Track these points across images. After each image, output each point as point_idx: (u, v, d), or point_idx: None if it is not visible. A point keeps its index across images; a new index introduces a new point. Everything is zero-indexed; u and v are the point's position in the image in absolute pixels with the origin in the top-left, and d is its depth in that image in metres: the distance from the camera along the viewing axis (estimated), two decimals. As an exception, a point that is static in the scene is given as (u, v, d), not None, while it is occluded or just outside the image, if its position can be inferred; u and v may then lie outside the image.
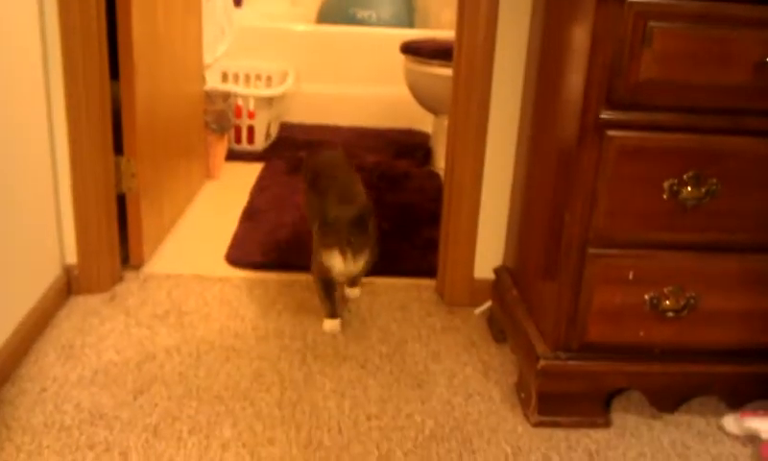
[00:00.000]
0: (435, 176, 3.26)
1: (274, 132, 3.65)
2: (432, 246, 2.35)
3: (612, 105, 1.54)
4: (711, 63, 1.51)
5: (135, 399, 1.77)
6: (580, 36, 1.58)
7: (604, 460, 1.66)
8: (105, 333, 2.02)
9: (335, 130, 3.88)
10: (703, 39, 1.50)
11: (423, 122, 3.76)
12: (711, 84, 1.53)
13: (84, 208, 2.14)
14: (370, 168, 3.34)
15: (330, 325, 2.11)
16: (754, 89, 1.54)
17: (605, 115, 1.55)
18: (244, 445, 1.64)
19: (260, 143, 3.48)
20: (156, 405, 1.75)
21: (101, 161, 2.12)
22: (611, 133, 1.56)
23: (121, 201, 2.27)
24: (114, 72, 2.17)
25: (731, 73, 1.52)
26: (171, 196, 2.63)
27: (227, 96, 3.18)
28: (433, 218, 2.33)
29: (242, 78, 3.76)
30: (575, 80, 1.60)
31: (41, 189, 2.04)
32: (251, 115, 3.41)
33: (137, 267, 2.35)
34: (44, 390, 1.78)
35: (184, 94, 2.76)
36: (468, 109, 2.11)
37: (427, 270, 2.40)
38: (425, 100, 3.29)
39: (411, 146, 3.67)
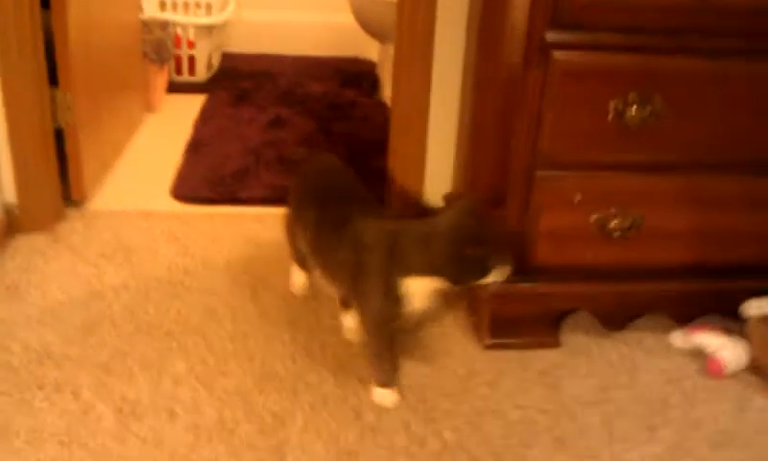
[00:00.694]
0: (382, 105, 3.23)
1: (216, 62, 3.56)
2: (380, 176, 2.33)
3: (557, 26, 1.54)
4: (655, -19, 1.51)
5: (84, 337, 1.74)
6: (524, -43, 1.56)
7: (554, 379, 1.70)
8: (50, 272, 1.97)
9: (279, 59, 3.80)
10: (646, -42, 1.50)
11: (370, 50, 3.70)
12: (654, 3, 1.53)
13: (21, 144, 2.07)
14: (316, 97, 3.29)
15: (385, 396, 1.61)
16: (695, 8, 1.54)
17: (550, 36, 1.54)
18: (197, 378, 1.63)
19: (202, 74, 3.39)
20: (105, 343, 1.72)
21: (36, 94, 2.04)
22: (556, 54, 1.55)
23: (59, 136, 2.19)
24: (45, 0, 2.07)
25: (673, -9, 1.52)
26: (111, 130, 2.55)
27: (165, 25, 3.08)
28: (381, 148, 2.30)
29: (181, 6, 3.64)
30: (520, 1, 1.58)
31: (-26, 126, 1.96)
32: (190, 45, 3.31)
33: (80, 204, 2.29)
34: (-11, 332, 1.74)
35: (120, 23, 2.66)
36: (412, 35, 2.07)
37: (376, 199, 2.38)
38: (371, 27, 3.23)
39: (357, 75, 3.62)
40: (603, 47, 1.57)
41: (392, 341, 1.64)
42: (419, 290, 1.51)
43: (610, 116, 1.60)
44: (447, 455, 1.48)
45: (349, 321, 1.77)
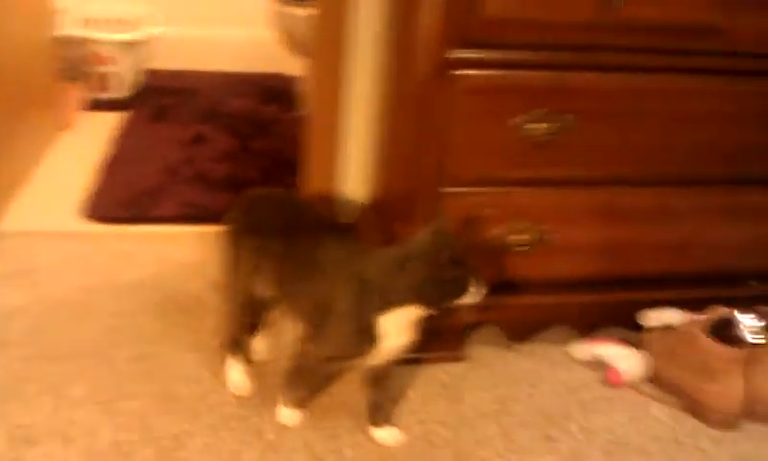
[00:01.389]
0: (302, 120, 3.22)
1: (138, 79, 3.52)
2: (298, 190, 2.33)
3: (460, 44, 1.55)
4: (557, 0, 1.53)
5: (-19, 362, 1.70)
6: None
7: (457, 392, 1.71)
8: (-52, 296, 1.92)
9: (202, 75, 3.77)
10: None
11: (291, 65, 3.70)
12: (559, 20, 1.56)
13: None
14: (237, 114, 3.28)
15: (291, 416, 1.60)
16: (600, 25, 1.57)
17: (452, 55, 1.55)
18: (96, 402, 1.61)
19: (122, 91, 3.34)
20: (2, 368, 1.68)
21: (-67, 115, 1.99)
22: (459, 72, 1.57)
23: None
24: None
25: (577, 9, 1.55)
26: (19, 149, 2.50)
27: (82, 42, 3.03)
28: (298, 165, 2.31)
29: (102, 22, 3.58)
30: (425, 18, 1.57)
31: None
32: (111, 62, 3.26)
33: (-15, 225, 2.24)
34: None
35: (29, 40, 2.61)
36: (326, 49, 2.07)
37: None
38: (291, 42, 3.23)
39: (278, 90, 3.61)
40: (509, 64, 1.59)
41: (328, 379, 1.63)
42: (396, 325, 1.43)
43: (518, 132, 1.62)
44: (346, 473, 1.48)
45: (259, 343, 1.76)
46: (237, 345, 1.68)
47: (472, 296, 1.42)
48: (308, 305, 1.53)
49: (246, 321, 1.67)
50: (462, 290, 1.41)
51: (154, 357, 1.75)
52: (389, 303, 1.41)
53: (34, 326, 1.83)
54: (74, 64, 2.93)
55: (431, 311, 1.43)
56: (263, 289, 1.58)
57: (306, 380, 1.60)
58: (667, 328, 1.80)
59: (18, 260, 2.09)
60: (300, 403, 1.60)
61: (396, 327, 1.43)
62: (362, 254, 1.50)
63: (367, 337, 1.42)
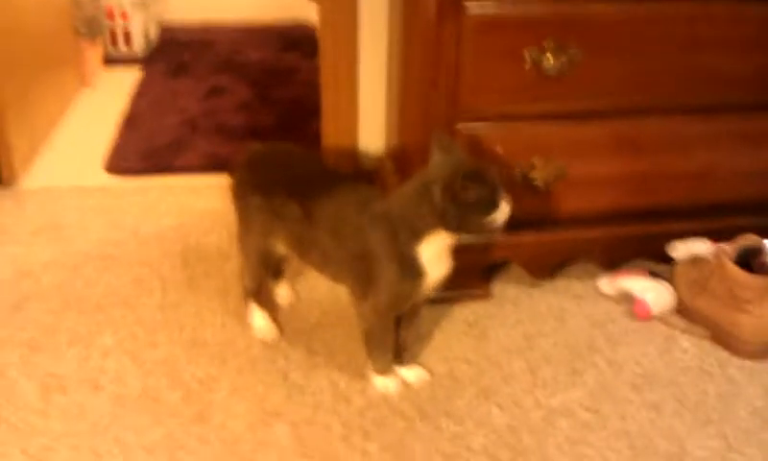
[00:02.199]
0: (322, 68, 3.20)
1: (153, 34, 3.51)
2: (320, 139, 2.32)
3: (469, -23, 1.52)
4: (561, -73, 1.50)
5: (12, 315, 1.72)
6: None
7: (482, 329, 1.71)
8: (-23, 253, 1.95)
9: (218, 27, 3.75)
10: None
11: (311, 13, 3.66)
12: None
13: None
14: (255, 64, 3.26)
15: (388, 384, 1.55)
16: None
17: (461, -13, 1.53)
18: (125, 351, 1.62)
19: (139, 46, 3.33)
20: (33, 320, 1.71)
21: (-46, 74, 2.00)
22: (468, 5, 1.54)
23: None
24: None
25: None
26: (42, 107, 2.51)
27: (97, -1, 3.03)
28: (320, 111, 2.29)
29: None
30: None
31: None
32: (125, 17, 3.25)
33: (10, 183, 2.26)
34: None
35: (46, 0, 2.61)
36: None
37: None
38: (307, -11, 3.20)
39: (298, 39, 3.58)
40: (516, -4, 1.57)
41: (394, 326, 1.54)
42: (434, 253, 1.41)
43: (527, 66, 1.60)
44: (372, 411, 1.49)
45: (283, 288, 1.76)
46: (258, 292, 1.69)
47: (501, 213, 1.38)
48: (340, 265, 1.50)
49: (263, 273, 1.67)
50: (488, 210, 1.37)
51: (179, 306, 1.76)
52: (420, 232, 1.38)
53: (62, 279, 1.85)
54: (91, 21, 2.92)
55: (463, 235, 1.39)
56: (279, 248, 1.58)
57: (382, 339, 1.52)
58: (695, 259, 1.78)
59: (45, 216, 2.11)
60: (390, 366, 1.55)
61: (436, 256, 1.41)
62: (379, 197, 1.48)
63: (413, 271, 1.41)
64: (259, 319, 1.68)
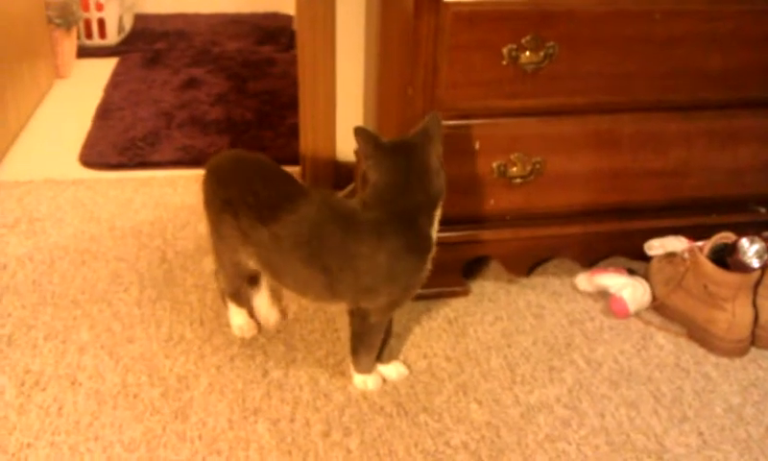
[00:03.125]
0: (299, 60, 3.19)
1: (128, 24, 3.47)
2: (296, 132, 2.31)
3: (447, -29, 1.52)
4: (539, -77, 1.51)
5: (-14, 311, 1.70)
6: None
7: (462, 326, 1.72)
8: (-50, 247, 1.92)
9: (194, 18, 3.72)
10: None
11: (287, 4, 3.65)
12: (542, -55, 1.53)
13: None
14: (231, 56, 3.24)
15: (369, 381, 1.54)
16: (583, -51, 1.54)
17: (439, -18, 1.53)
18: (102, 346, 1.61)
19: (113, 37, 3.30)
20: (8, 315, 1.69)
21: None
22: (446, 0, 1.54)
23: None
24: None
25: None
26: (15, 99, 2.47)
27: (70, -12, 2.98)
28: (297, 104, 2.28)
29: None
30: (411, -52, 1.57)
31: None
32: (99, 7, 3.21)
33: (-17, 176, 2.23)
34: None
35: (19, -12, 2.58)
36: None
37: (293, 156, 2.36)
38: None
39: (274, 30, 3.57)
40: (494, -9, 1.57)
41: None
42: (435, 225, 1.44)
43: (504, 61, 1.60)
44: (352, 407, 1.49)
45: (263, 300, 1.70)
46: (237, 294, 1.66)
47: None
48: (323, 285, 1.45)
49: (238, 281, 1.63)
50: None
51: (156, 301, 1.75)
52: (433, 211, 1.42)
53: (38, 273, 1.83)
54: (65, 11, 2.88)
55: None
56: (252, 265, 1.55)
57: (373, 341, 1.51)
58: (671, 256, 1.80)
59: (19, 209, 2.09)
60: (374, 366, 1.54)
61: (435, 229, 1.44)
62: (353, 205, 1.44)
63: (428, 252, 1.43)
64: (238, 317, 1.67)
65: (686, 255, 1.74)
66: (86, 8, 3.18)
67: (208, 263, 1.85)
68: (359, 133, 1.40)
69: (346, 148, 2.21)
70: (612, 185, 1.79)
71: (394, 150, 1.40)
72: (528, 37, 1.58)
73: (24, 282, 1.80)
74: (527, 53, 1.59)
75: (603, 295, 1.82)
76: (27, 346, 1.61)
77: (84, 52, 3.17)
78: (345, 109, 2.18)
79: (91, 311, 1.71)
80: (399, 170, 1.39)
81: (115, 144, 2.45)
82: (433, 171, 1.39)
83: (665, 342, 1.71)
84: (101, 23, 3.24)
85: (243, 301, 1.67)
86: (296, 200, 1.45)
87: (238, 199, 1.48)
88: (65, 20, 2.88)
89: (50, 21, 2.83)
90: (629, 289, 1.77)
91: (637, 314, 1.77)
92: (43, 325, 1.67)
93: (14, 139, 2.45)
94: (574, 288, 1.86)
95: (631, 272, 1.84)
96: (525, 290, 1.85)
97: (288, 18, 3.70)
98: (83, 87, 2.88)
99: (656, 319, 1.77)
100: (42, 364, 1.56)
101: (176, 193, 2.19)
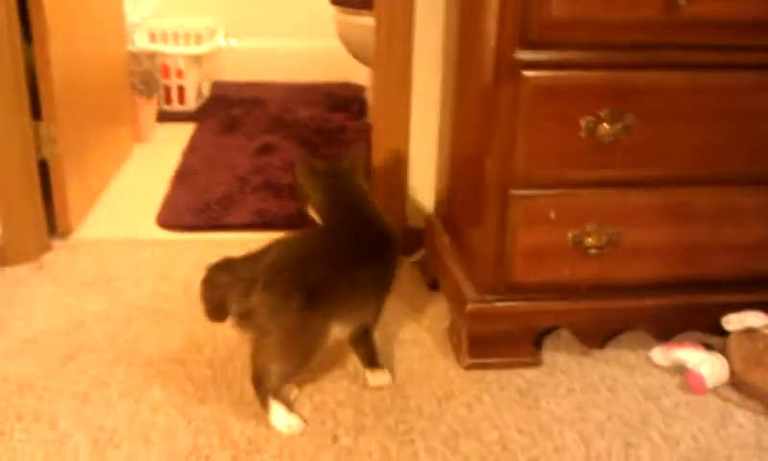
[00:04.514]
0: (370, 128, 3.24)
1: (206, 91, 3.59)
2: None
3: (527, 44, 1.54)
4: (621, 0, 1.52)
5: (64, 366, 1.74)
6: (492, -23, 1.57)
7: (534, 398, 1.69)
8: (33, 303, 1.98)
9: (269, 86, 3.83)
10: (612, -25, 1.50)
11: (358, 74, 3.73)
12: (622, 20, 1.54)
13: (5, 177, 2.08)
14: (305, 123, 3.31)
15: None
16: (664, 24, 1.54)
17: (519, 55, 1.54)
18: (175, 406, 1.63)
19: (192, 103, 3.41)
20: (84, 372, 1.73)
21: (17, 127, 2.06)
22: (526, 73, 1.55)
23: (45, 168, 2.21)
24: (29, 36, 2.10)
25: (641, 8, 1.53)
26: (98, 160, 2.57)
27: (152, 56, 3.11)
28: (368, 170, 2.31)
29: (171, 37, 3.68)
30: (490, 20, 1.60)
31: (-44, 160, 1.98)
32: (179, 74, 3.34)
33: (65, 235, 2.31)
34: (-31, 364, 1.75)
35: (106, 55, 2.69)
36: (390, 57, 2.10)
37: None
38: (357, 51, 3.25)
39: (346, 99, 3.64)
40: (573, 65, 1.58)
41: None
42: None
43: (582, 133, 1.60)
44: (423, 477, 1.47)
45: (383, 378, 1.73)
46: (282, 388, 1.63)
47: None
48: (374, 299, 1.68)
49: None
50: None
51: (228, 363, 1.77)
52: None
53: (114, 331, 1.87)
54: (147, 78, 3.00)
55: None
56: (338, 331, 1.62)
57: None
58: (750, 332, 1.75)
59: (98, 267, 2.15)
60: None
61: None
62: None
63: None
64: (283, 414, 1.58)
65: (766, 331, 1.69)
66: (167, 75, 3.30)
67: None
68: (298, 159, 1.76)
69: (416, 215, 2.23)
70: (689, 258, 1.76)
71: (326, 174, 1.73)
72: (606, 110, 1.58)
73: (100, 340, 1.84)
74: (605, 125, 1.59)
75: (679, 370, 1.77)
76: (102, 403, 1.64)
77: (163, 116, 3.28)
78: (417, 176, 2.20)
79: (165, 371, 1.74)
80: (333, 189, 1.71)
81: (191, 207, 2.51)
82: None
83: (745, 420, 1.65)
84: (180, 90, 3.37)
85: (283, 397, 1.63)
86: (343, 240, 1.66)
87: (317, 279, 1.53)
88: (147, 87, 3.00)
89: (133, 87, 2.94)
90: (707, 364, 1.72)
91: (715, 390, 1.72)
92: (118, 382, 1.70)
93: (95, 199, 2.54)
94: (649, 362, 1.82)
95: (707, 347, 1.79)
96: (599, 363, 1.81)
97: (359, 88, 3.78)
98: (162, 151, 2.98)
99: (734, 396, 1.72)
100: (116, 421, 1.58)
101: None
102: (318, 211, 1.72)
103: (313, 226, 1.74)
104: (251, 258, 1.59)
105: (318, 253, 1.61)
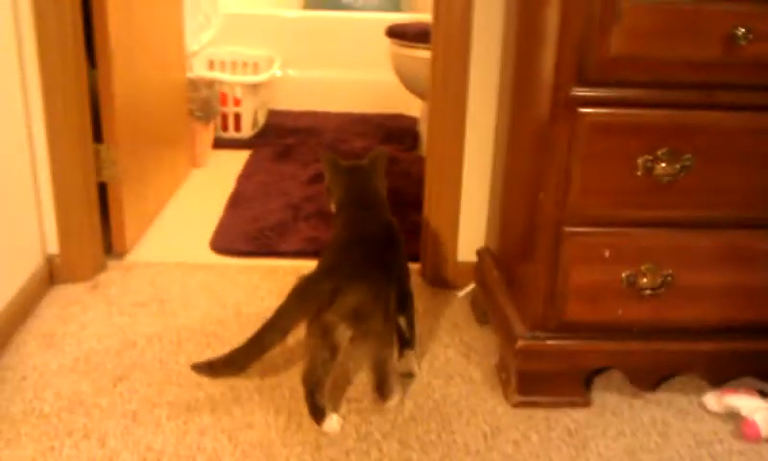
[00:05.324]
0: (422, 160, 3.25)
1: (261, 119, 3.64)
2: (418, 230, 2.34)
3: (584, 82, 1.54)
4: (682, 38, 1.51)
5: (115, 385, 1.77)
6: (551, 14, 1.57)
7: (583, 439, 1.66)
8: (86, 322, 2.02)
9: (323, 116, 3.87)
10: (673, 14, 1.49)
11: (412, 106, 3.75)
12: (682, 59, 1.52)
13: (65, 197, 2.14)
14: (358, 153, 3.33)
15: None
16: (724, 63, 1.53)
17: (576, 92, 1.54)
18: (222, 430, 1.64)
19: (247, 130, 3.47)
20: (135, 392, 1.75)
21: (80, 150, 2.11)
22: (582, 110, 1.55)
23: (104, 189, 2.26)
24: (93, 60, 2.16)
25: (701, 47, 1.51)
26: (155, 184, 2.62)
27: (211, 83, 3.17)
28: (419, 202, 2.32)
29: (228, 65, 3.75)
30: (547, 57, 1.60)
31: (21, 179, 2.04)
32: (236, 102, 3.39)
33: (121, 255, 2.35)
34: (24, 378, 1.78)
35: (166, 82, 2.75)
36: (445, 90, 2.11)
37: (413, 254, 2.38)
38: (411, 84, 3.28)
39: (399, 131, 3.66)
40: (630, 103, 1.57)
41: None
42: None
43: (639, 172, 1.59)
44: (468, 514, 1.46)
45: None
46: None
47: None
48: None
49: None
50: None
51: (276, 388, 1.78)
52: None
53: (165, 352, 1.90)
54: (206, 105, 3.06)
55: None
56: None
57: None
58: (809, 382, 1.70)
59: (151, 289, 2.18)
60: None
61: None
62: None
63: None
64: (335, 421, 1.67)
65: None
66: (225, 103, 3.36)
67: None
68: (323, 156, 1.92)
69: (467, 248, 2.22)
70: (747, 303, 1.72)
71: (347, 171, 1.89)
72: (664, 149, 1.56)
73: (151, 361, 1.86)
74: (662, 164, 1.57)
75: (733, 416, 1.73)
76: (150, 423, 1.65)
77: (219, 143, 3.34)
78: (468, 209, 2.20)
79: (214, 394, 1.75)
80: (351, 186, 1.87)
81: (245, 232, 2.54)
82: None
83: (803, 473, 1.60)
84: (237, 117, 3.42)
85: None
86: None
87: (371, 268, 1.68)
88: (205, 114, 3.06)
89: (191, 114, 3.00)
90: (762, 412, 1.68)
91: (771, 440, 1.68)
92: (167, 404, 1.72)
93: (151, 222, 2.58)
94: (702, 407, 1.78)
95: (763, 394, 1.74)
96: (650, 405, 1.78)
97: (412, 119, 3.80)
98: (217, 177, 3.03)
99: (792, 447, 1.67)
100: (164, 443, 1.60)
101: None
102: (336, 205, 1.88)
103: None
104: (323, 272, 1.69)
105: (361, 250, 1.71)
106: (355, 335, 1.62)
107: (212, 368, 1.66)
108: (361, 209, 1.85)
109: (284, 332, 1.62)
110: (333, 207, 1.90)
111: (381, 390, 1.69)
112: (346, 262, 1.67)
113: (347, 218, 1.83)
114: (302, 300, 1.63)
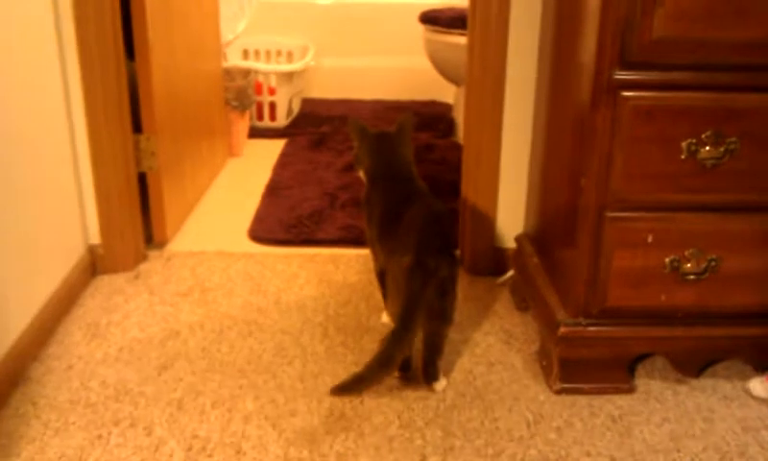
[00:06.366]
0: (457, 147, 3.23)
1: (296, 107, 3.65)
2: (455, 217, 2.34)
3: (626, 65, 1.52)
4: (726, 19, 1.48)
5: (160, 374, 1.79)
6: (592, -3, 1.56)
7: (627, 425, 1.65)
8: (129, 311, 2.04)
9: (357, 104, 3.87)
10: (717, -6, 1.47)
11: (446, 93, 3.74)
12: (727, 40, 1.50)
13: (106, 188, 2.16)
14: (392, 140, 3.33)
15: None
16: (770, 44, 1.50)
17: (618, 76, 1.52)
18: (266, 417, 1.65)
19: (282, 119, 3.47)
20: (179, 380, 1.77)
21: (119, 140, 2.13)
22: (625, 93, 1.53)
23: (143, 180, 2.29)
24: (131, 52, 2.18)
25: (746, 28, 1.49)
26: (193, 174, 2.64)
27: (246, 73, 3.18)
28: (455, 189, 2.31)
29: (263, 54, 3.76)
30: (588, 41, 1.58)
31: (62, 171, 2.06)
32: (271, 91, 3.40)
33: (161, 245, 2.38)
34: (70, 368, 1.81)
35: (203, 72, 2.77)
36: (483, 76, 2.09)
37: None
38: (446, 70, 3.26)
39: (433, 117, 3.65)
40: (674, 86, 1.55)
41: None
42: None
43: (683, 156, 1.57)
44: (512, 501, 1.46)
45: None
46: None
47: None
48: None
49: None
50: None
51: (319, 376, 1.79)
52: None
53: (208, 341, 1.91)
54: (241, 95, 3.07)
55: None
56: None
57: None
58: None
59: (192, 278, 2.20)
60: None
61: None
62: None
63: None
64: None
65: None
66: (260, 92, 3.37)
67: (369, 342, 1.88)
68: (351, 123, 1.95)
69: (506, 234, 2.21)
70: (793, 287, 1.70)
71: (377, 138, 1.92)
72: (709, 132, 1.54)
73: (194, 349, 1.88)
74: (707, 148, 1.55)
75: (780, 403, 1.71)
76: (195, 411, 1.67)
77: (254, 132, 3.35)
78: (507, 195, 2.19)
79: (257, 381, 1.76)
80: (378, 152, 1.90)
81: (282, 221, 2.55)
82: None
83: None
84: (272, 106, 3.43)
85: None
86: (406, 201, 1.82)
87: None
88: (241, 103, 3.07)
89: (227, 103, 3.01)
90: (810, 399, 1.66)
91: (820, 427, 1.65)
92: (211, 392, 1.73)
93: (190, 212, 2.60)
94: (747, 393, 1.76)
95: (812, 380, 1.72)
96: (694, 392, 1.76)
97: (446, 106, 3.79)
98: (253, 166, 3.04)
99: (841, 434, 1.65)
100: (209, 430, 1.62)
101: (338, 271, 2.25)
102: (365, 172, 1.92)
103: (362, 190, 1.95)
104: (419, 251, 1.65)
105: (436, 228, 1.71)
106: (431, 310, 1.64)
107: (368, 371, 1.60)
108: (399, 182, 1.87)
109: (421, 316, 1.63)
110: (362, 175, 1.94)
111: (427, 371, 1.72)
112: (432, 237, 1.68)
113: (395, 191, 1.84)
114: (422, 284, 1.62)
